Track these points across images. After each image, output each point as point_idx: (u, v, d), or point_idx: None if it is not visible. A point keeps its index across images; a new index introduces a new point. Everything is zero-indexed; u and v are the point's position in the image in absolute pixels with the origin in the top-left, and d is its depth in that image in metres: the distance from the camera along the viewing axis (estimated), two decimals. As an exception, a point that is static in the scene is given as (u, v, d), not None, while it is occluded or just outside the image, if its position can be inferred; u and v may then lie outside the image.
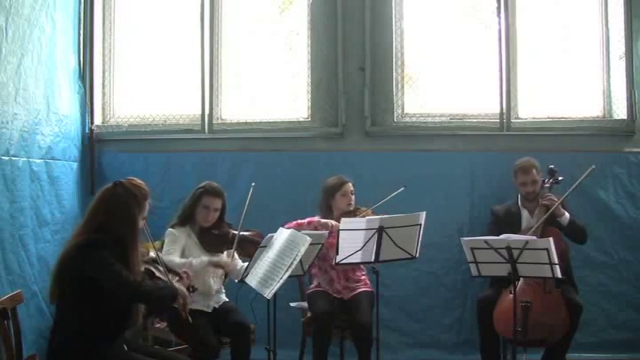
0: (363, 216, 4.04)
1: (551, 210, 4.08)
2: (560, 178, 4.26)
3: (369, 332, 3.94)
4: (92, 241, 2.81)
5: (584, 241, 4.37)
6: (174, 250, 3.80)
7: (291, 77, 5.22)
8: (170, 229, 3.93)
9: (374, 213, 4.09)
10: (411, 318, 4.89)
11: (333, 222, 4.07)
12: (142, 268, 3.12)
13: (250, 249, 3.84)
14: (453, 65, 5.12)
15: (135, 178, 3.04)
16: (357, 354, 3.99)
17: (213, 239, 3.92)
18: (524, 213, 4.38)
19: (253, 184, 3.92)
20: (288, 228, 3.67)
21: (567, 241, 4.25)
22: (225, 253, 4.00)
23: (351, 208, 4.23)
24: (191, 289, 3.40)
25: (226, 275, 4.04)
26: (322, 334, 3.98)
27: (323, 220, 4.12)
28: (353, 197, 4.27)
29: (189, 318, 2.99)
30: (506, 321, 3.85)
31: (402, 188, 4.05)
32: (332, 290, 4.21)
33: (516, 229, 4.21)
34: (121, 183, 2.95)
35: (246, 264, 3.87)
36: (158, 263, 3.22)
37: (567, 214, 4.21)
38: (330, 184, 4.30)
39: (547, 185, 4.27)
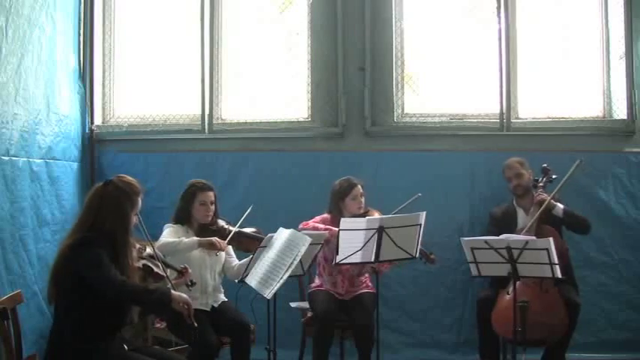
0: None
1: (544, 205, 4.08)
2: (553, 177, 4.27)
3: (371, 333, 3.93)
4: (84, 240, 2.82)
5: (588, 231, 4.35)
6: (170, 238, 3.82)
7: (291, 77, 5.21)
8: (169, 224, 3.97)
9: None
10: (411, 318, 4.89)
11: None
12: (140, 264, 3.11)
13: (247, 244, 3.89)
14: (453, 65, 5.12)
15: (125, 175, 3.04)
16: (358, 354, 4.00)
17: (210, 235, 3.94)
18: (520, 212, 4.39)
19: (252, 206, 3.94)
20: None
21: (567, 240, 4.25)
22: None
23: (362, 212, 4.15)
24: (189, 284, 3.40)
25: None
26: (324, 333, 3.97)
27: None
28: (363, 199, 4.21)
29: (194, 322, 2.92)
30: (504, 321, 3.85)
31: (419, 194, 4.01)
32: (334, 291, 4.22)
33: (513, 228, 4.21)
34: (111, 181, 2.96)
35: (242, 262, 3.94)
36: (156, 259, 3.22)
37: (560, 205, 4.23)
38: (339, 187, 4.23)
39: (540, 184, 4.27)
